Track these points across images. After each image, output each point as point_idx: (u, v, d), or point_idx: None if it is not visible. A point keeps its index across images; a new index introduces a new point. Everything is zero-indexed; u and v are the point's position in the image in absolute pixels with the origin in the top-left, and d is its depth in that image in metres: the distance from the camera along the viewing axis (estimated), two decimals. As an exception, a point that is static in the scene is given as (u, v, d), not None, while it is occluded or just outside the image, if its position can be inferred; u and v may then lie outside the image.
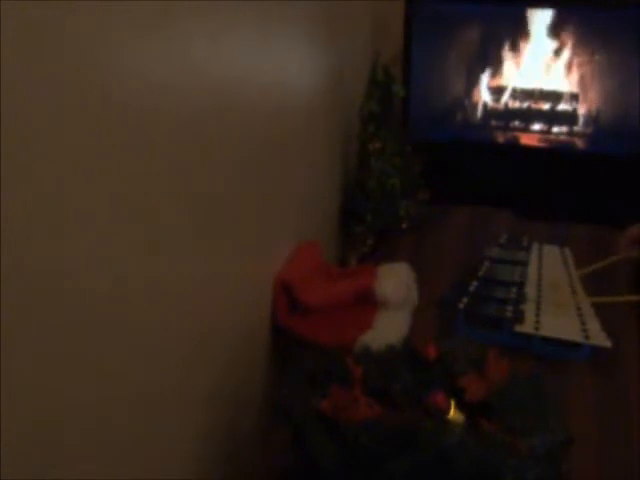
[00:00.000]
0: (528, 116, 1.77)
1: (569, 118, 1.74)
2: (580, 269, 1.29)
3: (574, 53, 1.69)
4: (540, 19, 1.69)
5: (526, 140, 1.78)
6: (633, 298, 1.19)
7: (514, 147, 1.77)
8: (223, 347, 0.84)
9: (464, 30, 1.76)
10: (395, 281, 1.11)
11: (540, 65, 1.74)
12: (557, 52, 1.71)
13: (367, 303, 1.07)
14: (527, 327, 1.06)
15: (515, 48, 1.74)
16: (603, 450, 0.85)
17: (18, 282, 0.44)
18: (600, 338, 1.03)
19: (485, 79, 1.78)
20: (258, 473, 0.84)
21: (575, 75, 1.71)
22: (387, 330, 1.02)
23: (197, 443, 0.77)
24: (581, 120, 1.73)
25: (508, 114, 1.78)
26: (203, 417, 0.79)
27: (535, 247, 1.38)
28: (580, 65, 1.70)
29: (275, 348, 1.02)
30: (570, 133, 1.75)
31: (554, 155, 1.73)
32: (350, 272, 1.26)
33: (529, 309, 1.11)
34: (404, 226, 1.47)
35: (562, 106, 1.74)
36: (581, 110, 1.73)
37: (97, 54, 0.52)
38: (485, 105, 1.80)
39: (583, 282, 1.24)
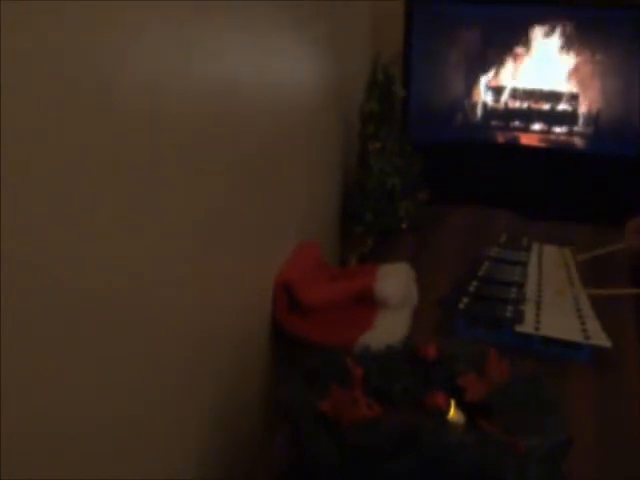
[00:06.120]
0: (528, 116, 1.77)
1: (569, 118, 1.74)
2: (580, 254, 1.29)
3: (574, 53, 1.69)
4: (540, 19, 1.69)
5: (526, 140, 1.78)
6: (632, 291, 1.19)
7: (514, 147, 1.77)
8: (223, 347, 0.83)
9: (464, 30, 1.76)
10: (395, 281, 1.11)
11: (540, 65, 1.74)
12: (557, 52, 1.71)
13: (367, 303, 1.07)
14: (527, 327, 1.06)
15: (515, 48, 1.74)
16: (603, 450, 0.84)
17: (19, 282, 0.44)
18: (600, 338, 1.03)
19: (485, 79, 1.78)
20: (258, 473, 0.84)
21: (575, 75, 1.71)
22: (387, 330, 1.02)
23: (197, 443, 0.77)
24: (581, 120, 1.73)
25: (508, 114, 1.78)
26: (203, 417, 0.79)
27: (535, 247, 1.38)
28: (580, 65, 1.70)
29: (275, 348, 1.02)
30: (570, 133, 1.75)
31: (554, 155, 1.73)
32: (350, 272, 1.26)
33: (529, 309, 1.11)
34: (404, 226, 1.47)
35: (562, 106, 1.74)
36: (581, 110, 1.73)
37: (98, 56, 0.52)
38: (485, 105, 1.80)
39: (582, 276, 1.25)
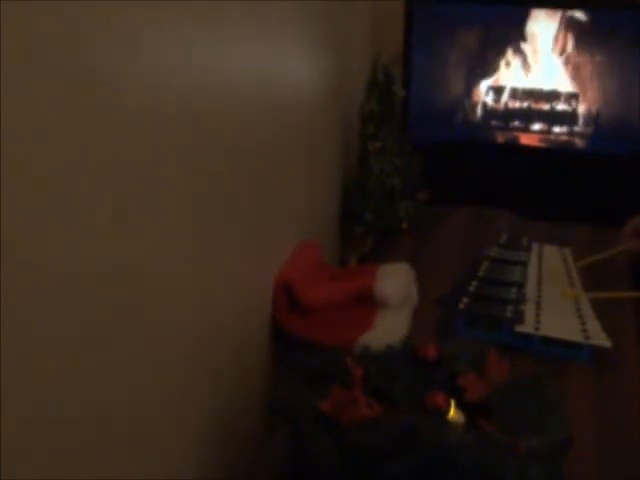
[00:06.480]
0: (528, 116, 1.77)
1: (569, 118, 1.74)
2: (580, 260, 1.30)
3: (574, 53, 1.69)
4: (540, 19, 1.69)
5: (526, 140, 1.78)
6: (632, 294, 1.20)
7: (514, 147, 1.77)
8: (223, 347, 0.83)
9: (464, 30, 1.76)
10: (395, 281, 1.11)
11: (540, 65, 1.74)
12: (557, 52, 1.71)
13: (367, 303, 1.07)
14: (527, 327, 1.06)
15: (515, 48, 1.74)
16: (603, 450, 0.84)
17: (19, 282, 0.44)
18: (600, 338, 1.03)
19: (485, 79, 1.78)
20: (258, 473, 0.84)
21: (575, 75, 1.71)
22: (387, 330, 1.02)
23: (197, 443, 0.77)
24: (581, 120, 1.73)
25: (508, 114, 1.78)
26: (203, 417, 0.79)
27: (535, 247, 1.38)
28: (580, 65, 1.70)
29: (275, 348, 1.02)
30: (570, 133, 1.75)
31: (554, 155, 1.74)
32: (350, 272, 1.26)
33: (529, 309, 1.11)
34: (404, 226, 1.47)
35: (562, 106, 1.74)
36: (581, 110, 1.73)
37: (97, 56, 0.52)
38: (485, 105, 1.80)
39: (582, 277, 1.25)
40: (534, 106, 1.77)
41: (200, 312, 0.76)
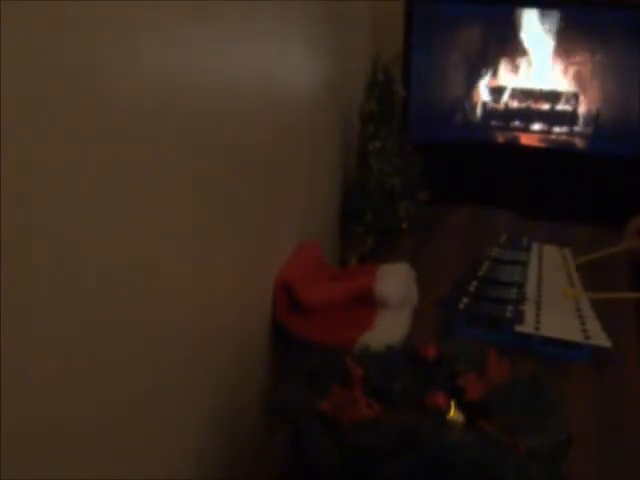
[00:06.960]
0: (528, 116, 1.77)
1: (569, 118, 1.74)
2: (577, 258, 1.31)
3: (574, 53, 1.69)
4: (540, 19, 1.69)
5: (526, 140, 1.78)
6: (632, 295, 1.20)
7: (514, 147, 1.77)
8: (223, 347, 0.83)
9: (464, 30, 1.76)
10: (395, 281, 1.11)
11: (540, 65, 1.74)
12: (557, 52, 1.71)
13: (367, 303, 1.07)
14: (527, 327, 1.06)
15: (515, 48, 1.74)
16: (603, 450, 0.84)
17: (19, 282, 0.44)
18: (600, 338, 1.03)
19: (485, 79, 1.78)
20: (258, 473, 0.84)
21: (575, 75, 1.71)
22: (387, 330, 1.02)
23: (197, 443, 0.77)
24: (581, 120, 1.73)
25: (508, 114, 1.79)
26: (203, 417, 0.79)
27: (535, 247, 1.38)
28: (580, 65, 1.70)
29: (275, 348, 1.02)
30: (570, 133, 1.75)
31: (554, 155, 1.74)
32: (350, 272, 1.26)
33: (529, 309, 1.11)
34: (404, 226, 1.47)
35: (562, 106, 1.75)
36: (581, 110, 1.73)
37: (97, 56, 0.52)
38: (485, 105, 1.80)
39: (582, 276, 1.25)
40: (534, 106, 1.77)
41: (200, 312, 0.76)
